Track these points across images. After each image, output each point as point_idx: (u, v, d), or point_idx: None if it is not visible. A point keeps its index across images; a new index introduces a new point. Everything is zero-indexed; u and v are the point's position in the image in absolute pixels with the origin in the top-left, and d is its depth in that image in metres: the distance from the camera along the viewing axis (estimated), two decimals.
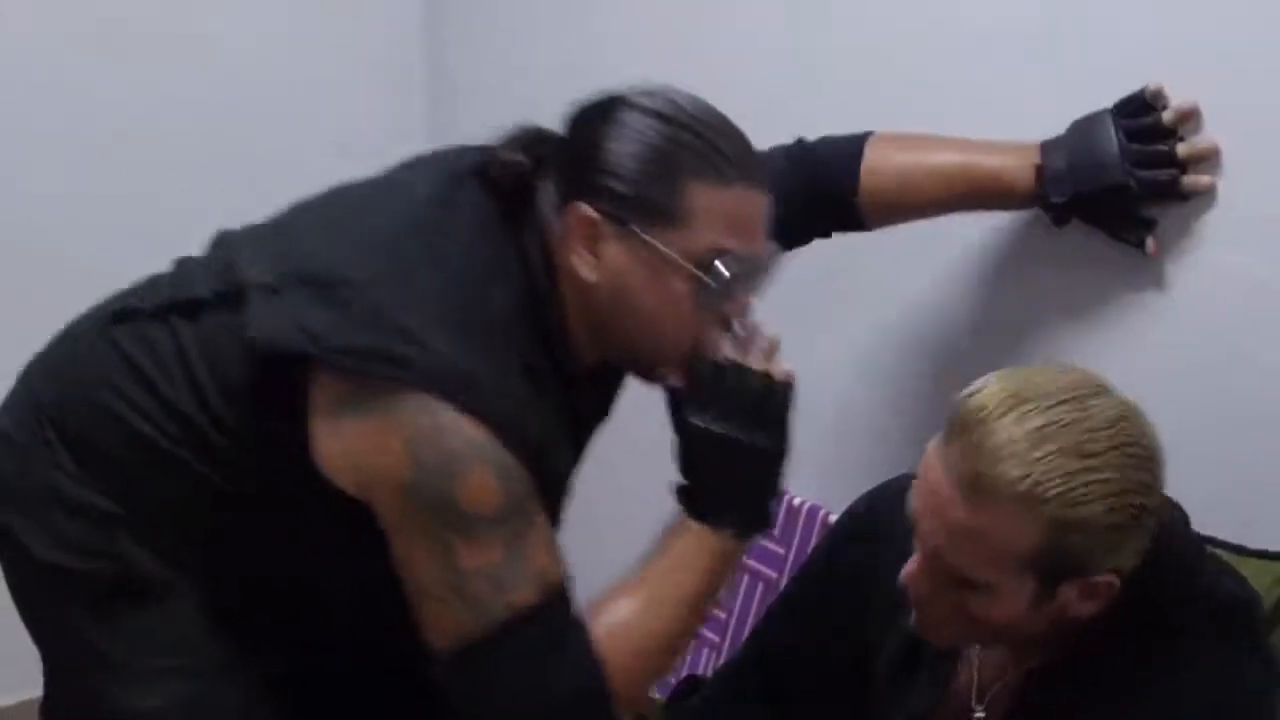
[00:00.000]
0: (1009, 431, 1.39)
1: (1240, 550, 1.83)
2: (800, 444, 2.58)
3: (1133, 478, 1.41)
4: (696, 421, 1.62)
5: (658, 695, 2.60)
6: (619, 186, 1.55)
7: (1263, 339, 1.89)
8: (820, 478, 2.50)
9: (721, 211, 1.56)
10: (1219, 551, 1.79)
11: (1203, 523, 1.81)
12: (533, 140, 1.64)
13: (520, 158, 1.62)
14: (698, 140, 1.56)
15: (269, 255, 1.61)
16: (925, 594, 1.51)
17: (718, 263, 1.55)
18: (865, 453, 2.43)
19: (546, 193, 1.61)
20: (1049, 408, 1.41)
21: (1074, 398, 1.42)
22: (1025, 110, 2.06)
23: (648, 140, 1.55)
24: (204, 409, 1.60)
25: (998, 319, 2.21)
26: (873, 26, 2.36)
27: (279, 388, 1.53)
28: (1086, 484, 1.38)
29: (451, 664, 1.53)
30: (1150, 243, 1.93)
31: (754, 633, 1.91)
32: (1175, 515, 1.56)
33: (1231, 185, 1.90)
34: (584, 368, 1.66)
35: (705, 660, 2.60)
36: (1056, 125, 1.99)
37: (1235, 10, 1.89)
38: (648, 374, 1.68)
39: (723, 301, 1.59)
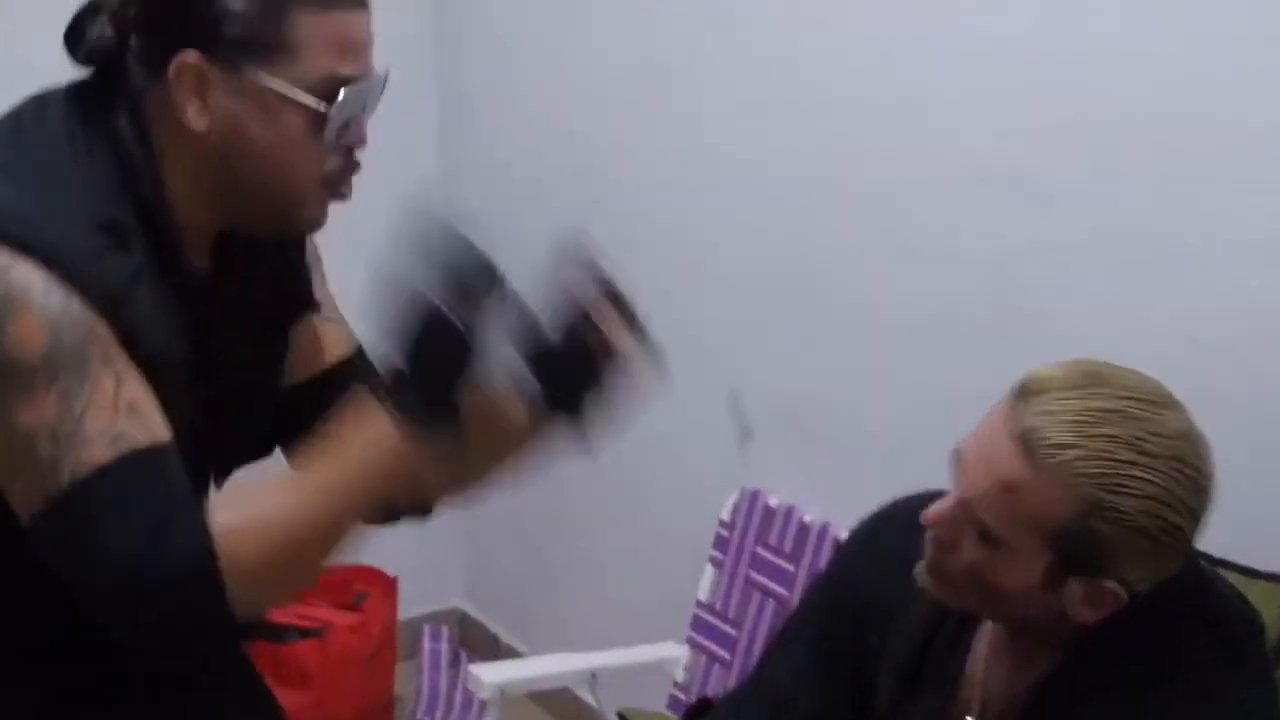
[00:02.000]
0: (1074, 403, 1.41)
1: (1251, 573, 1.82)
2: (811, 461, 2.62)
3: (1177, 494, 1.41)
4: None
5: (669, 714, 2.60)
6: (222, 27, 1.47)
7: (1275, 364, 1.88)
8: (830, 495, 2.51)
9: (327, 37, 1.49)
10: (1229, 574, 1.78)
11: (1214, 545, 1.80)
12: (116, 9, 1.53)
13: (106, 33, 1.52)
14: None
15: None
16: (944, 539, 1.51)
17: (342, 90, 1.49)
18: (876, 470, 2.42)
19: (137, 58, 1.52)
20: (1120, 398, 1.42)
21: (1148, 400, 1.43)
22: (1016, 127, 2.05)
23: None
24: None
25: (1013, 336, 2.20)
26: (874, 33, 2.37)
27: None
28: (1130, 477, 1.39)
29: (37, 530, 1.40)
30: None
31: (762, 658, 1.91)
32: None
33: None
34: (205, 264, 1.59)
35: (714, 677, 2.59)
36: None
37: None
38: (282, 223, 1.60)
39: (344, 129, 1.53)
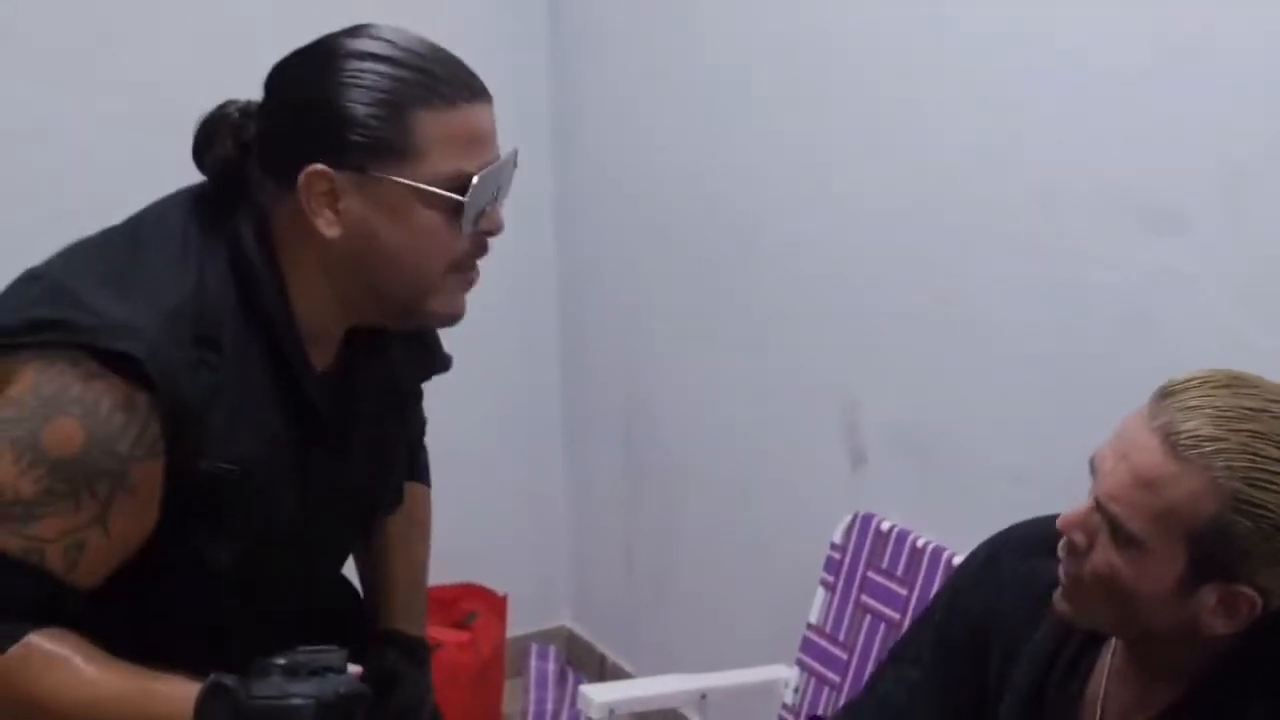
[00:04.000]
0: (1220, 400, 1.40)
1: None
2: (925, 486, 2.60)
3: None
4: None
5: None
6: (348, 136, 1.50)
7: None
8: (944, 520, 2.48)
9: (452, 134, 1.52)
10: None
11: None
12: (237, 125, 1.58)
13: (226, 146, 1.57)
14: (415, 71, 1.51)
15: None
16: (1079, 544, 1.49)
17: (474, 180, 1.51)
18: (988, 494, 2.40)
19: (262, 170, 1.56)
20: (1265, 398, 1.41)
21: None
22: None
23: (367, 83, 1.50)
24: None
25: (1127, 359, 2.17)
26: (1000, 64, 2.34)
27: None
28: (1275, 474, 1.37)
29: None
30: None
31: (876, 674, 1.89)
32: None
33: None
34: (330, 357, 1.64)
35: (825, 700, 2.58)
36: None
37: None
38: (414, 317, 1.63)
39: (479, 218, 1.56)
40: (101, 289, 1.49)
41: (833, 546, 2.62)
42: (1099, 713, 1.61)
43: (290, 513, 1.62)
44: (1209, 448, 1.38)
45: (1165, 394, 1.44)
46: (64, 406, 1.44)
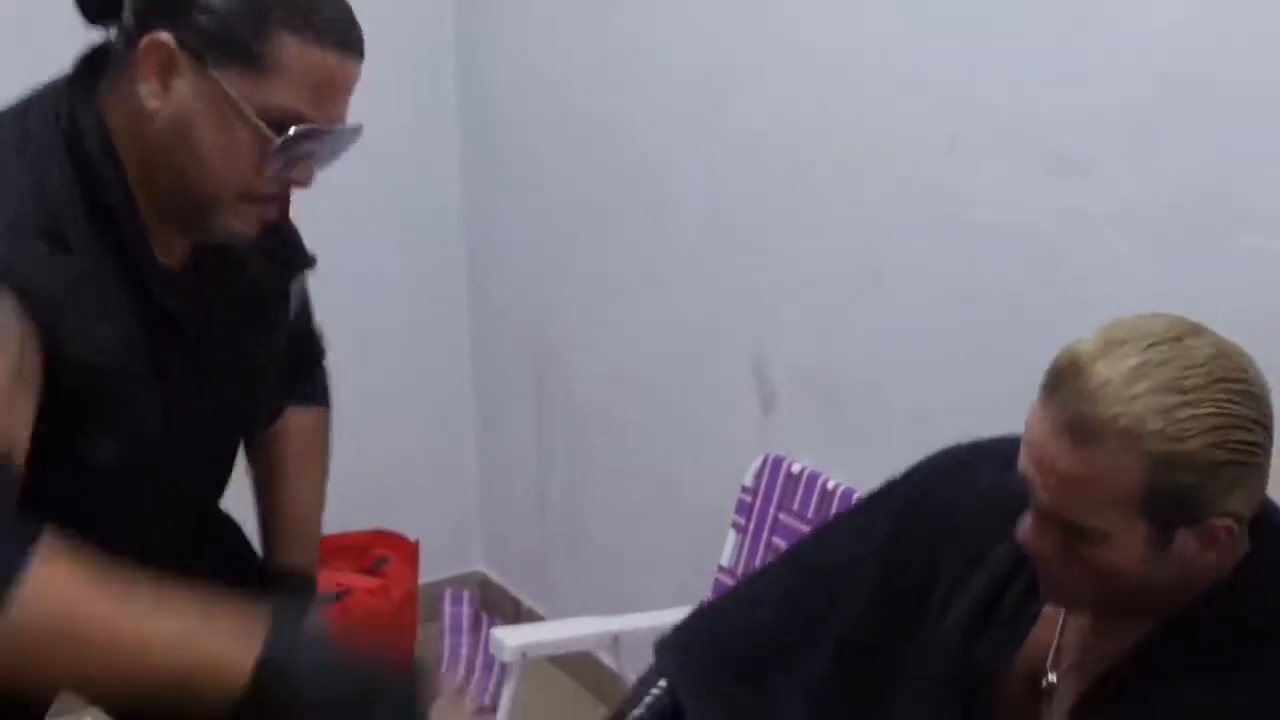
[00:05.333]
0: (1105, 373, 1.40)
1: None
2: (835, 429, 2.62)
3: (1236, 412, 1.40)
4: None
5: None
6: (204, 20, 1.45)
7: None
8: (854, 462, 2.50)
9: (307, 71, 1.47)
10: None
11: None
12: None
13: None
14: None
15: None
16: (1045, 554, 1.50)
17: (293, 129, 1.47)
18: (901, 434, 2.42)
19: (121, 38, 1.50)
20: (1144, 348, 1.41)
21: (1170, 339, 1.42)
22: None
23: None
24: None
25: (1033, 301, 2.19)
26: (899, 4, 2.35)
27: None
28: (1185, 419, 1.38)
29: None
30: None
31: (808, 541, 1.89)
32: None
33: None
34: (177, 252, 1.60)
35: None
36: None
37: None
38: (199, 224, 1.56)
39: (286, 163, 1.51)
40: None
41: (744, 489, 2.63)
42: (1054, 638, 1.62)
43: (155, 423, 1.56)
44: (1120, 424, 1.38)
45: (1051, 387, 1.44)
46: None
